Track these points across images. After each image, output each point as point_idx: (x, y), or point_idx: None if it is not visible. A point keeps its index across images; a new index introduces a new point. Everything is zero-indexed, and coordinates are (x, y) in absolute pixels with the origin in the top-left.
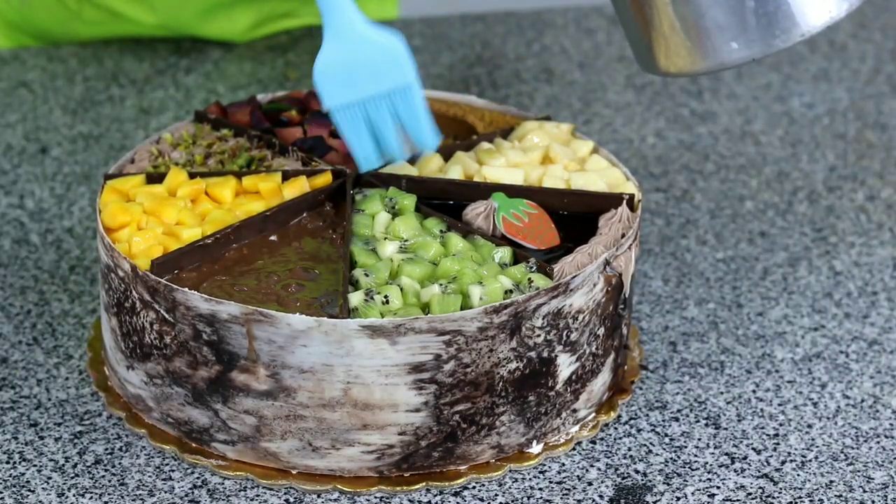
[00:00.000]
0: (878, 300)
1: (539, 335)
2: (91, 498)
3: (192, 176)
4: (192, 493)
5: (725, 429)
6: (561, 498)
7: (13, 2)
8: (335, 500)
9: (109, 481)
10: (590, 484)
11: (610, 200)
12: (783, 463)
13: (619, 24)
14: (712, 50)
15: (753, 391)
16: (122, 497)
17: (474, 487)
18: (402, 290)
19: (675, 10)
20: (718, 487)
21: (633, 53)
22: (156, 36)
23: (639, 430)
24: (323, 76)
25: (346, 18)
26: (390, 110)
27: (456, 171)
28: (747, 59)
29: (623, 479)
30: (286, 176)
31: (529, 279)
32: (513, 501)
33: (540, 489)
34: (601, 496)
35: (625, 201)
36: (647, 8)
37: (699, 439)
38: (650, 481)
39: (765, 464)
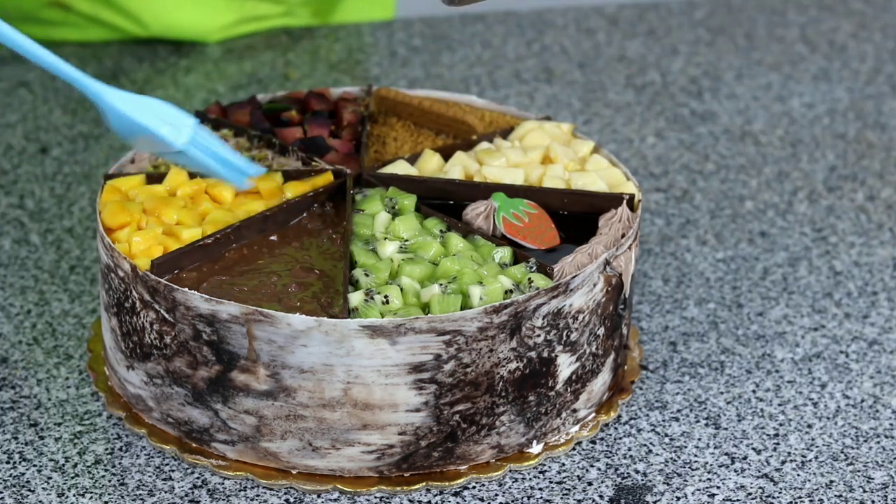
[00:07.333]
0: (878, 300)
1: (539, 335)
2: (91, 498)
3: (192, 176)
4: (192, 493)
5: (725, 429)
6: (561, 498)
7: None
8: (335, 500)
9: (109, 481)
10: (590, 484)
11: (610, 200)
12: (783, 463)
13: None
14: None
15: (753, 391)
16: (122, 497)
17: (474, 487)
18: (402, 290)
19: None
20: (718, 487)
21: None
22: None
23: (639, 430)
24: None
25: (104, 89)
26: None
27: (456, 171)
28: None
29: (623, 479)
30: (286, 176)
31: (529, 279)
32: (513, 501)
33: (540, 489)
34: (601, 496)
35: (625, 201)
36: None
37: (699, 439)
38: (650, 481)
39: (765, 464)
